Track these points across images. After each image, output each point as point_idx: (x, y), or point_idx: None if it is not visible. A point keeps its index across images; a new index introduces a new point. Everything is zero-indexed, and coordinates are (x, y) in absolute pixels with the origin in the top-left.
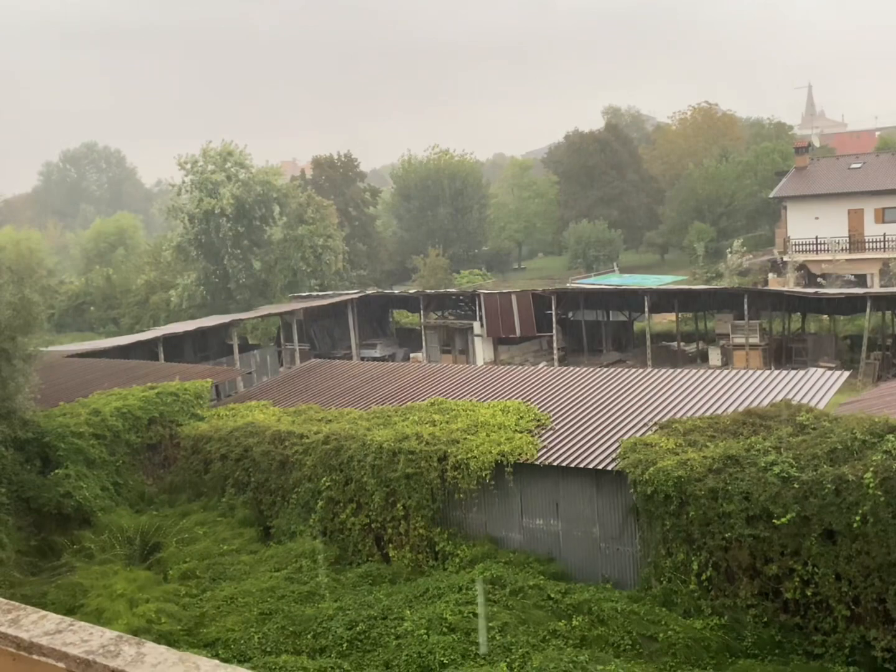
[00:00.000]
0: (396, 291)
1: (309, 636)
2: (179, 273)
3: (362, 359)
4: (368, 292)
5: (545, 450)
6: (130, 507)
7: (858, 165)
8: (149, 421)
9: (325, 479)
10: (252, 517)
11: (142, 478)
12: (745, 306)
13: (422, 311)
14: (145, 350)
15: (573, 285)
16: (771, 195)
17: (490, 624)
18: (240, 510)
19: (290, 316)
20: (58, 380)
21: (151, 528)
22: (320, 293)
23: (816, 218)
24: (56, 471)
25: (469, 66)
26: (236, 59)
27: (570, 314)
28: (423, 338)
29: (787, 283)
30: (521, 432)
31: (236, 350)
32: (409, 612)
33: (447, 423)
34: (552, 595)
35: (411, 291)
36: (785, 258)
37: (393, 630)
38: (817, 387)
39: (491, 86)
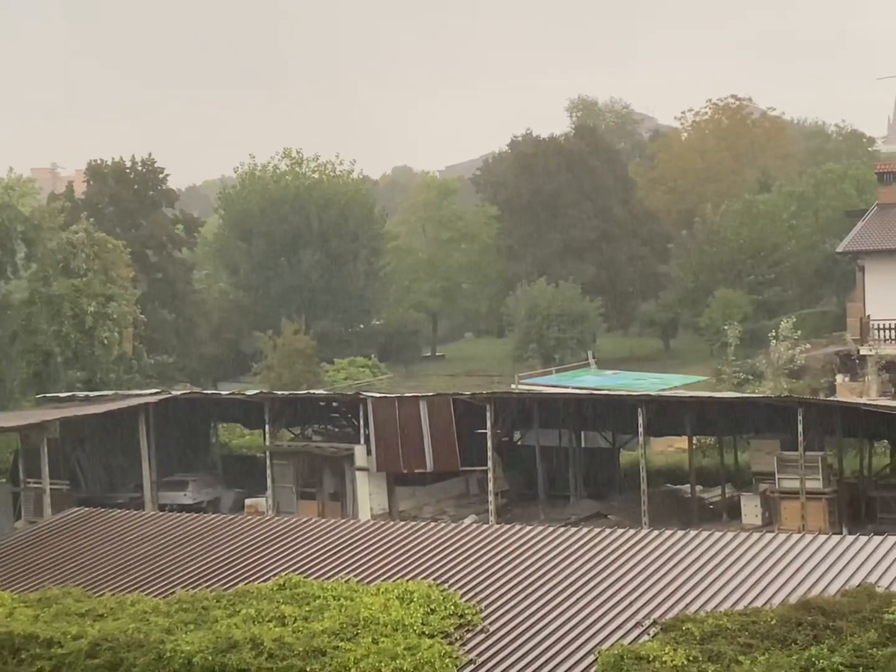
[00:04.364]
0: (224, 393)
1: None
2: None
3: (162, 507)
4: (175, 394)
5: (472, 667)
6: None
7: None
8: None
9: None
10: None
11: None
12: (800, 428)
13: (267, 428)
14: None
15: (522, 388)
16: (839, 248)
17: None
18: None
19: (38, 433)
20: None
21: None
22: (91, 394)
23: None
24: None
25: (358, 31)
26: None
27: (518, 436)
28: (269, 472)
29: (867, 392)
30: (431, 636)
31: None
32: None
33: (306, 619)
34: None
35: (250, 393)
36: (862, 350)
37: None
38: None
39: (390, 62)
